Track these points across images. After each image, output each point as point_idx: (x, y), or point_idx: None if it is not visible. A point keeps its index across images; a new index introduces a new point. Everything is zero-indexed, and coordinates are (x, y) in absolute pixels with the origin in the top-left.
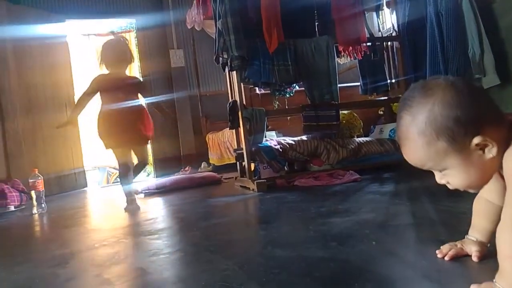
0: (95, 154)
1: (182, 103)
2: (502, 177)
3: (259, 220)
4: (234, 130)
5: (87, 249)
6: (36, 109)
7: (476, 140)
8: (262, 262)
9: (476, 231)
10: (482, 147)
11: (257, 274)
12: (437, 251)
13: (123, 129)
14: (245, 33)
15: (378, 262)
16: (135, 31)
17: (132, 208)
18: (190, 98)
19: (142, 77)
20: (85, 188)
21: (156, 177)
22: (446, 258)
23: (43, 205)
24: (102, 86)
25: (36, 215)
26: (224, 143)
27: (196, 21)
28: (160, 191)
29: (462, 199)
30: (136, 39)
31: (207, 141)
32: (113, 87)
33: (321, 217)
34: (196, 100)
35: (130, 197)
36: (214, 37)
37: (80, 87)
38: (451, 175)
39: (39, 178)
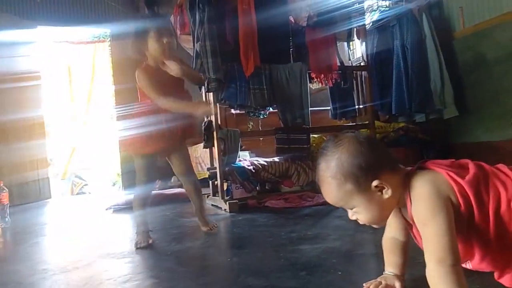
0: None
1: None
2: (403, 217)
3: (232, 245)
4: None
5: (60, 271)
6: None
7: (375, 183)
8: None
9: (391, 267)
10: (380, 189)
11: None
12: (364, 285)
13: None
14: (222, 57)
15: None
16: (109, 40)
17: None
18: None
19: (115, 86)
20: (48, 199)
21: (124, 189)
22: None
23: (6, 219)
24: None
25: (0, 230)
26: (196, 158)
27: None
28: (130, 206)
29: None
30: (110, 48)
31: None
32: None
33: (291, 243)
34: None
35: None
36: (192, 58)
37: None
38: (359, 212)
39: (4, 191)
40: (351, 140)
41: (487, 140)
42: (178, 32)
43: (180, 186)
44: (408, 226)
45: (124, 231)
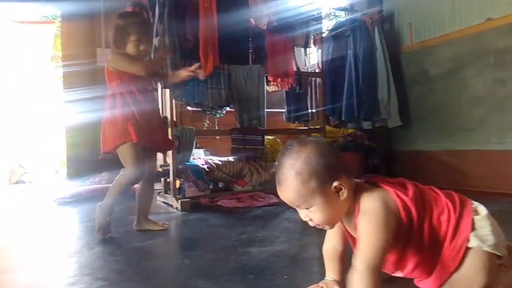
0: None
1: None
2: (343, 226)
3: (183, 246)
4: None
5: (2, 272)
6: None
7: (335, 183)
8: None
9: (332, 273)
10: (338, 190)
11: None
12: None
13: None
14: (181, 54)
15: None
16: (60, 20)
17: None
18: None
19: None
20: None
21: (69, 179)
22: None
23: None
24: None
25: None
26: None
27: None
28: (75, 200)
29: None
30: (60, 29)
31: None
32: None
33: (242, 245)
34: None
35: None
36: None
37: None
38: (315, 212)
39: None
40: (317, 142)
41: (425, 149)
42: None
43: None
44: (347, 234)
45: (71, 227)
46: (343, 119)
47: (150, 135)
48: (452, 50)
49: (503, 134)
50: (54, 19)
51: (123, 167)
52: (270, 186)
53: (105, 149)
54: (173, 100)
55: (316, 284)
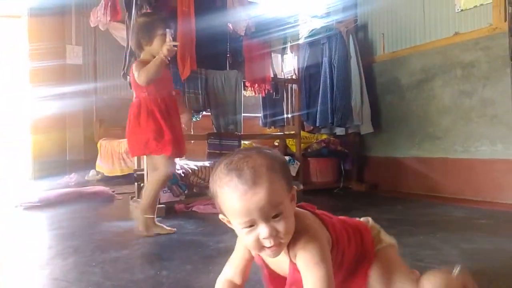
0: None
1: (74, 102)
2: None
3: (161, 256)
4: None
5: None
6: None
7: (293, 190)
8: None
9: None
10: (292, 198)
11: None
12: None
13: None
14: None
15: None
16: (27, 15)
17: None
18: (84, 98)
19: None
20: None
21: (35, 179)
22: None
23: None
24: None
25: None
26: (119, 154)
27: (101, 21)
28: (43, 204)
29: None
30: (27, 24)
31: (99, 148)
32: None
33: (220, 255)
34: (90, 102)
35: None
36: (123, 50)
37: None
38: (283, 219)
39: None
40: (273, 150)
41: (395, 156)
42: (108, 18)
43: (100, 181)
44: (264, 265)
45: (40, 234)
46: (317, 124)
47: (179, 145)
48: (422, 62)
49: (468, 143)
50: (21, 14)
51: (93, 168)
52: None
53: (136, 154)
54: None
55: None
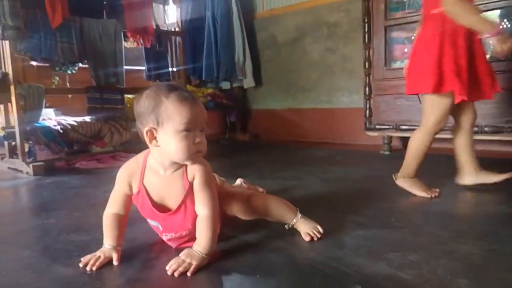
0: None
1: None
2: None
3: (46, 208)
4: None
5: None
6: None
7: None
8: (61, 247)
9: (110, 240)
10: None
11: (60, 258)
12: (82, 259)
13: None
14: (22, 1)
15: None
16: None
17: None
18: None
19: None
20: None
21: None
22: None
23: None
24: None
25: None
26: None
27: None
28: None
29: None
30: None
31: None
32: None
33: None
34: None
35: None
36: None
37: None
38: (204, 135)
39: None
40: None
41: (273, 108)
42: None
43: None
44: (147, 197)
45: None
46: (203, 78)
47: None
48: (296, 20)
49: (331, 94)
50: None
51: None
52: (132, 146)
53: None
54: (14, 54)
55: (93, 254)
